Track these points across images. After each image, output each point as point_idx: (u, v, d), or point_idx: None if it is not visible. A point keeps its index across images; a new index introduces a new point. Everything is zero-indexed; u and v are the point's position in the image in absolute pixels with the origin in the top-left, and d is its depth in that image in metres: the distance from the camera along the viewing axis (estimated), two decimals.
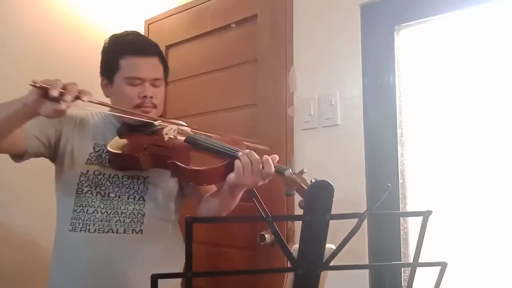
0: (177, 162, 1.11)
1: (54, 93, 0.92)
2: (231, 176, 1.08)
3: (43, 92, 0.94)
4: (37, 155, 1.22)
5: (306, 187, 1.02)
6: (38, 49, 1.90)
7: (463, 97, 1.26)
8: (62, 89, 0.94)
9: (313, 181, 1.04)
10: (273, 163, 1.06)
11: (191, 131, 1.25)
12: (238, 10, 1.81)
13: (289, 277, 0.76)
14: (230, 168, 1.09)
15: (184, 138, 1.21)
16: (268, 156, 1.07)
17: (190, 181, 1.18)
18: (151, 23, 2.17)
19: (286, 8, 1.64)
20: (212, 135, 1.21)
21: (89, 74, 2.04)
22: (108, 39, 1.30)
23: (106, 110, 1.31)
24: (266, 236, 1.52)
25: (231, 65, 1.83)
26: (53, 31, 1.97)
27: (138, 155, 1.15)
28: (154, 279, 0.59)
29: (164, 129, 1.24)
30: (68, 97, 0.94)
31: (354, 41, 1.44)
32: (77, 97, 0.96)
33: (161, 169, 1.19)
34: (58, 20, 1.99)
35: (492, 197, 1.18)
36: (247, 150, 1.09)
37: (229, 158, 1.10)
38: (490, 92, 1.21)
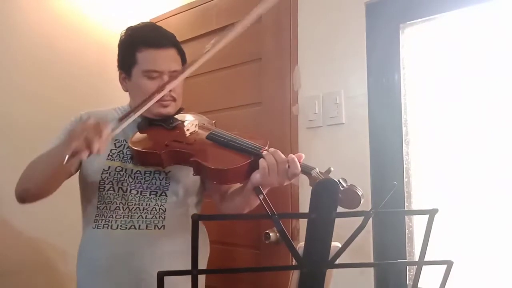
0: (200, 161, 1.08)
1: (85, 158, 0.95)
2: (256, 176, 1.06)
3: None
4: (78, 169, 1.26)
5: None
6: (42, 48, 1.91)
7: (469, 95, 1.25)
8: (86, 145, 0.94)
9: (341, 181, 0.98)
10: (299, 163, 1.04)
11: (212, 124, 1.24)
12: (242, 9, 1.80)
13: (295, 275, 0.76)
14: (253, 166, 1.06)
15: (205, 133, 1.18)
16: (294, 155, 1.04)
17: (213, 179, 1.14)
18: (156, 22, 2.18)
19: (290, 6, 1.63)
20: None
21: (93, 74, 2.06)
22: (124, 31, 1.28)
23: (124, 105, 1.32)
24: (271, 234, 1.52)
25: (235, 64, 1.83)
26: (57, 31, 1.97)
27: (159, 152, 1.12)
28: (161, 276, 0.60)
29: (185, 123, 1.22)
30: (95, 147, 0.94)
31: (359, 40, 1.43)
32: (100, 137, 0.96)
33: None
34: (62, 19, 1.99)
35: (498, 196, 1.18)
36: (272, 149, 1.06)
37: (253, 156, 1.07)
38: (496, 90, 1.20)
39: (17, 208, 1.78)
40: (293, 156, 1.04)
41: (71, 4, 2.03)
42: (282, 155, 1.04)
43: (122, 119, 1.10)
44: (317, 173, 1.02)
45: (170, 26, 2.09)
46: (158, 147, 1.13)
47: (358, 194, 0.94)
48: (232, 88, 1.83)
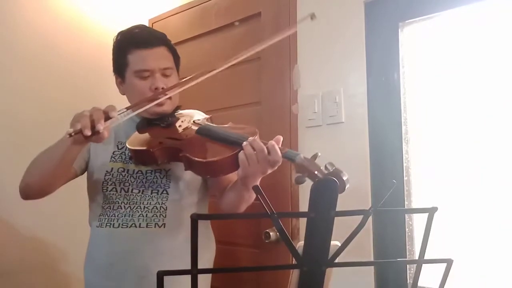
0: (188, 155, 1.09)
1: (88, 133, 0.94)
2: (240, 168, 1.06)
3: (79, 136, 0.97)
4: (84, 171, 1.30)
5: (319, 174, 0.91)
6: (43, 48, 1.91)
7: (469, 93, 1.25)
8: (90, 121, 0.95)
9: (327, 166, 0.93)
10: (280, 150, 1.00)
11: (206, 120, 1.26)
12: (241, 8, 1.81)
13: (294, 274, 0.76)
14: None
15: (196, 128, 1.20)
16: (273, 140, 1.02)
17: (203, 173, 1.16)
18: (155, 22, 2.18)
19: (289, 5, 1.63)
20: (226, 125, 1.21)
21: (93, 73, 2.06)
22: (115, 36, 1.30)
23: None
24: (271, 233, 1.52)
25: (234, 63, 1.82)
26: (58, 31, 1.97)
27: (153, 149, 1.14)
28: (160, 276, 0.59)
29: (178, 120, 1.24)
30: (100, 127, 0.95)
31: (358, 38, 1.43)
32: (107, 118, 0.98)
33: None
34: (62, 19, 2.00)
35: (498, 194, 1.18)
36: (251, 138, 1.03)
37: (238, 147, 1.06)
38: (496, 88, 1.20)
39: (17, 207, 1.79)
40: (272, 142, 1.01)
41: (70, 4, 2.03)
42: (261, 143, 1.01)
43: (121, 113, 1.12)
44: (302, 158, 0.95)
45: (169, 25, 2.11)
46: (151, 145, 1.16)
47: (343, 179, 0.89)
48: (232, 88, 1.83)
